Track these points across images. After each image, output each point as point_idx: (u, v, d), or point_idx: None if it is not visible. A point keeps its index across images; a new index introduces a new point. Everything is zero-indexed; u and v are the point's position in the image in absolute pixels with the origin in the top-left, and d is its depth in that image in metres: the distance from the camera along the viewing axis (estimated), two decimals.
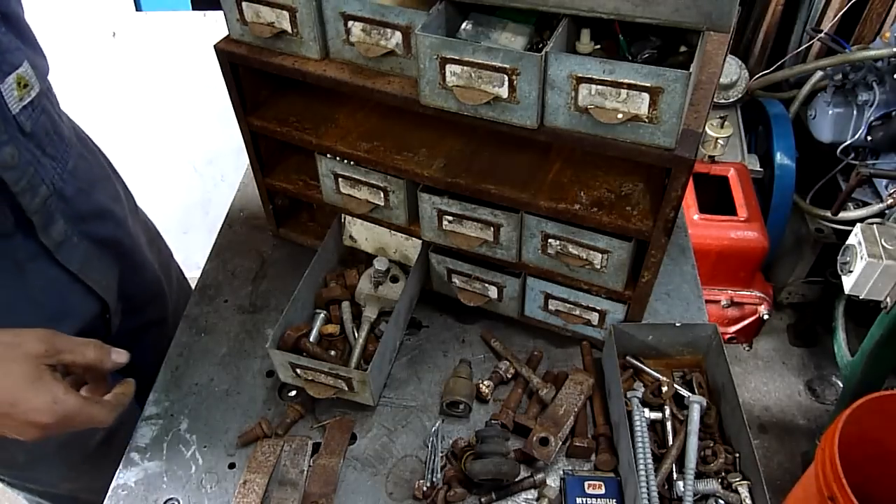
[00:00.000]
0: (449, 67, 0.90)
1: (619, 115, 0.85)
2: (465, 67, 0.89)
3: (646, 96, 0.83)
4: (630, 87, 0.83)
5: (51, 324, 0.93)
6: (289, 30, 1.01)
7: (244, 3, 1.02)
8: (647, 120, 0.85)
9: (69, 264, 1.05)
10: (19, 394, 0.79)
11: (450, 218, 1.11)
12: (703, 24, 0.84)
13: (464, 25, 1.00)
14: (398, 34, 0.94)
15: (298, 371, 1.09)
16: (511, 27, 0.99)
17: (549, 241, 1.07)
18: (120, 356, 0.91)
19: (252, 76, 1.15)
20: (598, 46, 0.99)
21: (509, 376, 1.19)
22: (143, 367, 1.22)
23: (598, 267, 1.06)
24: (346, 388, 1.09)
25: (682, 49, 0.98)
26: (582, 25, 0.96)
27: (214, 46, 1.09)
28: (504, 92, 0.89)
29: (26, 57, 0.94)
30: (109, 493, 1.06)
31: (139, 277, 1.25)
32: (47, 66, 1.05)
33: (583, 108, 0.87)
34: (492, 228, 1.09)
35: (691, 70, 0.80)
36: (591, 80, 0.84)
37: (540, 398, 1.13)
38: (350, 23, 0.97)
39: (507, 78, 0.87)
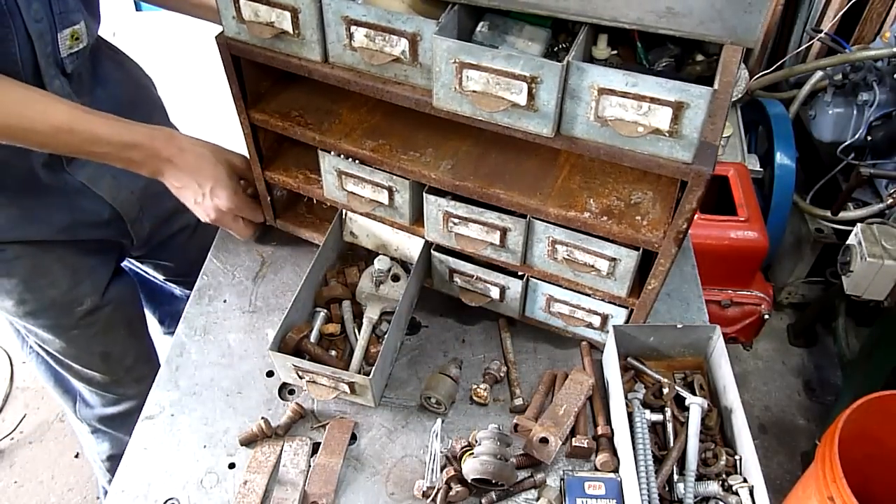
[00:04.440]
0: (466, 72, 0.88)
1: (640, 129, 0.83)
2: (483, 73, 0.87)
3: (668, 110, 0.81)
4: (653, 100, 0.81)
5: (72, 230, 1.34)
6: (290, 30, 0.98)
7: (242, 1, 0.99)
8: (667, 134, 0.83)
9: (77, 175, 1.30)
10: (217, 184, 1.22)
11: (455, 220, 1.11)
12: (728, 38, 0.82)
13: (479, 27, 0.98)
14: (404, 41, 0.92)
15: (300, 373, 1.09)
16: (527, 30, 0.97)
17: (557, 246, 1.06)
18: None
19: (253, 68, 1.13)
20: (615, 52, 0.98)
21: (502, 375, 1.19)
22: (172, 268, 1.72)
23: (605, 273, 1.06)
24: (349, 391, 1.09)
25: (699, 58, 0.96)
26: (600, 30, 0.95)
27: (216, 39, 1.07)
28: (522, 100, 0.87)
29: (84, 19, 1.20)
30: (110, 492, 1.06)
31: (164, 190, 1.30)
32: (97, 27, 1.30)
33: (603, 120, 0.85)
34: (498, 232, 1.08)
35: (716, 86, 0.79)
36: (613, 92, 0.82)
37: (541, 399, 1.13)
38: (353, 28, 0.94)
39: (526, 86, 0.85)
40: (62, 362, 1.54)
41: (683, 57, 0.97)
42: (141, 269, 1.74)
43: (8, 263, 1.31)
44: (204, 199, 1.23)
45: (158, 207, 1.49)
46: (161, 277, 1.77)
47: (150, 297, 1.86)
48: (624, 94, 0.82)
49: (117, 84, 1.38)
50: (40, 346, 1.52)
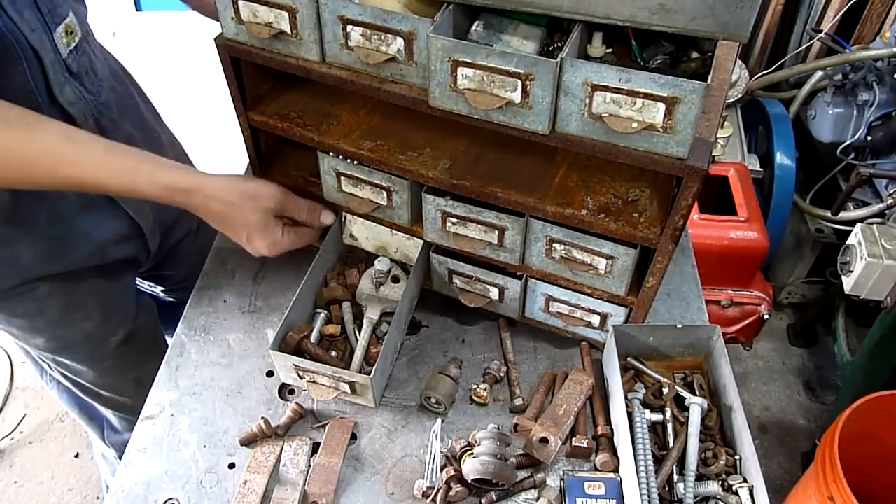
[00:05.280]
0: (461, 70, 0.88)
1: (634, 125, 0.83)
2: (478, 71, 0.87)
3: (661, 106, 0.81)
4: (646, 96, 0.81)
5: (100, 252, 1.28)
6: (288, 31, 0.99)
7: (241, 2, 0.99)
8: (661, 129, 0.83)
9: None
10: (253, 233, 1.13)
11: (454, 220, 1.11)
12: (720, 33, 0.82)
13: (474, 27, 0.98)
14: (400, 40, 0.92)
15: (300, 373, 1.09)
16: (522, 29, 0.97)
17: (554, 245, 1.07)
18: (327, 217, 1.23)
19: (252, 70, 1.14)
20: (610, 50, 0.98)
21: (502, 375, 1.19)
22: (172, 277, 1.63)
23: (603, 272, 1.06)
24: (349, 391, 1.09)
25: (694, 55, 0.97)
26: (594, 29, 0.95)
27: (214, 40, 1.07)
28: (517, 97, 0.87)
29: (71, 7, 1.12)
30: (110, 492, 1.06)
31: None
32: (86, 11, 1.22)
33: (596, 116, 0.86)
34: (496, 231, 1.08)
35: (709, 81, 0.79)
36: (606, 88, 0.82)
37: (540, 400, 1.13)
38: (349, 27, 0.94)
39: (520, 83, 0.86)
40: (91, 391, 1.50)
41: (678, 54, 0.97)
42: (141, 286, 1.71)
43: (39, 302, 1.26)
44: (245, 245, 1.16)
45: (165, 215, 1.45)
46: (160, 289, 1.72)
47: None
48: (617, 91, 0.82)
49: (119, 81, 1.34)
50: (67, 376, 1.47)
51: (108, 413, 1.59)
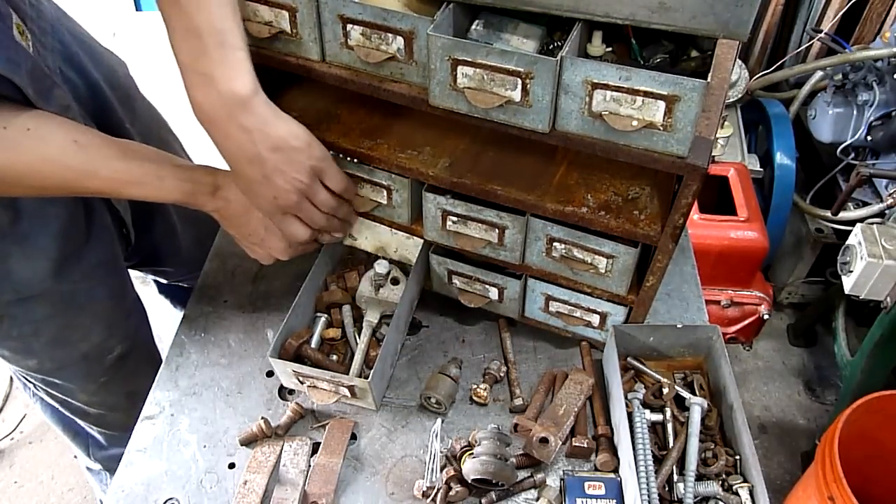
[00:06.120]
0: (461, 69, 0.88)
1: (634, 123, 0.83)
2: (478, 70, 0.87)
3: (661, 104, 0.81)
4: (646, 94, 0.81)
5: (111, 259, 1.23)
6: (288, 30, 0.99)
7: (240, 2, 0.98)
8: (661, 128, 0.83)
9: None
10: (267, 232, 1.09)
11: (454, 219, 1.11)
12: (720, 31, 0.82)
13: (474, 25, 0.98)
14: (400, 39, 0.92)
15: (300, 378, 1.09)
16: (522, 28, 0.98)
17: (554, 244, 1.07)
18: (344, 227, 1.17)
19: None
20: (610, 49, 0.98)
21: (502, 375, 1.19)
22: (173, 273, 1.61)
23: (603, 271, 1.06)
24: (349, 395, 1.09)
25: (694, 54, 0.97)
26: (594, 27, 0.95)
27: None
28: (517, 95, 0.88)
29: (8, 3, 0.92)
30: (109, 492, 1.05)
31: None
32: None
33: (596, 114, 0.86)
34: (496, 230, 1.08)
35: (709, 79, 0.79)
36: (606, 87, 0.83)
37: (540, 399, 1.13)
38: (349, 26, 0.95)
39: (520, 82, 0.86)
40: (79, 410, 1.44)
41: (678, 53, 0.97)
42: (148, 276, 1.69)
43: (35, 324, 1.18)
44: (254, 249, 1.13)
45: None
46: (164, 281, 1.71)
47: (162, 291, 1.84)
48: (617, 89, 0.82)
49: (100, 69, 1.23)
50: (54, 396, 1.41)
51: (94, 431, 1.55)
